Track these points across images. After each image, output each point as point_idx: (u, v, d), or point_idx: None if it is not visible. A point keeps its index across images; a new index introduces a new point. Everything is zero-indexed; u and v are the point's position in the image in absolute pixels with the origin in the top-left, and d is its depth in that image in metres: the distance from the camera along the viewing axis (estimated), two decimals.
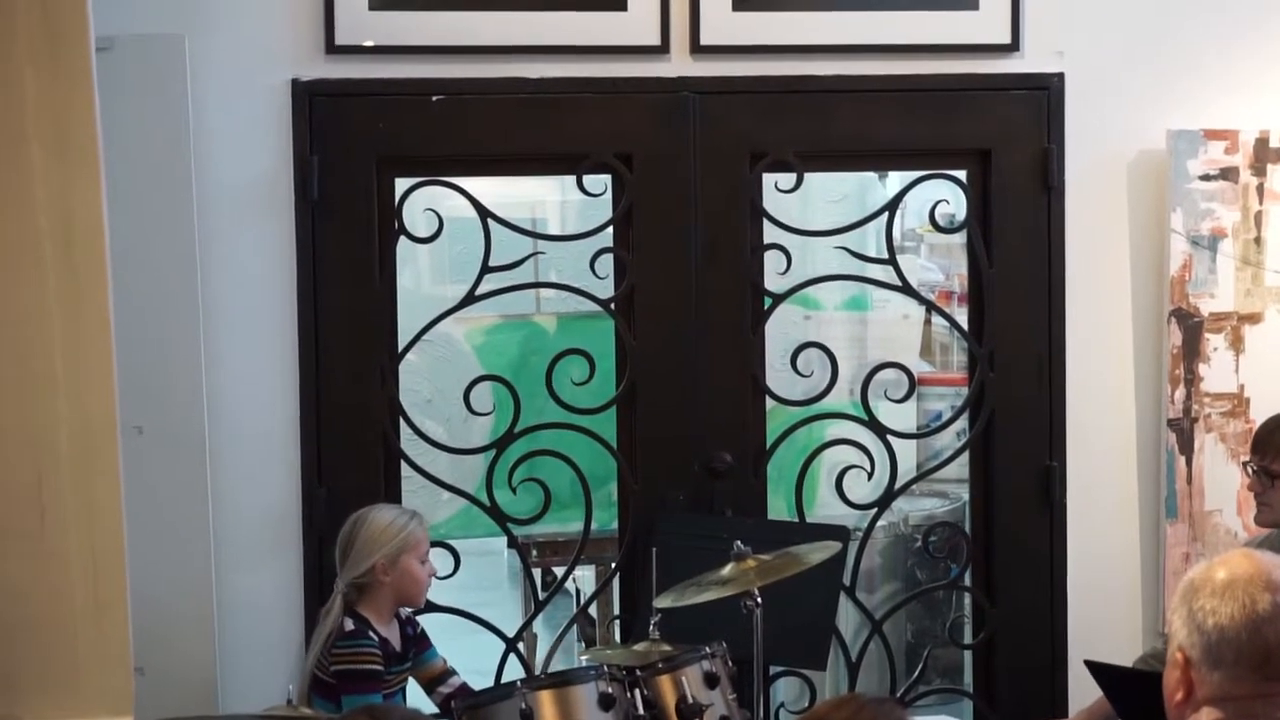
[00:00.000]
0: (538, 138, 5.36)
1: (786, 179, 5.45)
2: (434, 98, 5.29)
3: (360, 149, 5.28)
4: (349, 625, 4.77)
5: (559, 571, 6.00)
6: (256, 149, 5.23)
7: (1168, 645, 2.97)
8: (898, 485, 5.60)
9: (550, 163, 5.58)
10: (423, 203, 5.37)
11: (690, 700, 4.36)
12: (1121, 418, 5.63)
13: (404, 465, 5.40)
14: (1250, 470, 4.84)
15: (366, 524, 4.85)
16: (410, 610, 4.99)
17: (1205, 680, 2.87)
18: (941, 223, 5.65)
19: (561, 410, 5.43)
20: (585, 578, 6.77)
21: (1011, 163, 5.51)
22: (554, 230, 6.34)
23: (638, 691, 4.39)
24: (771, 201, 5.49)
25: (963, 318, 5.73)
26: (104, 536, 4.31)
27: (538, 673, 5.44)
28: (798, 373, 5.53)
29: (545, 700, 4.25)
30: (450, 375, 6.27)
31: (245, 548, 5.26)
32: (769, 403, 5.54)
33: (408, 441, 5.41)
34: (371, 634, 4.77)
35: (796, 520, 5.53)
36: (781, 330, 5.90)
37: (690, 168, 5.39)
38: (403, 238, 5.33)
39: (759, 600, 4.40)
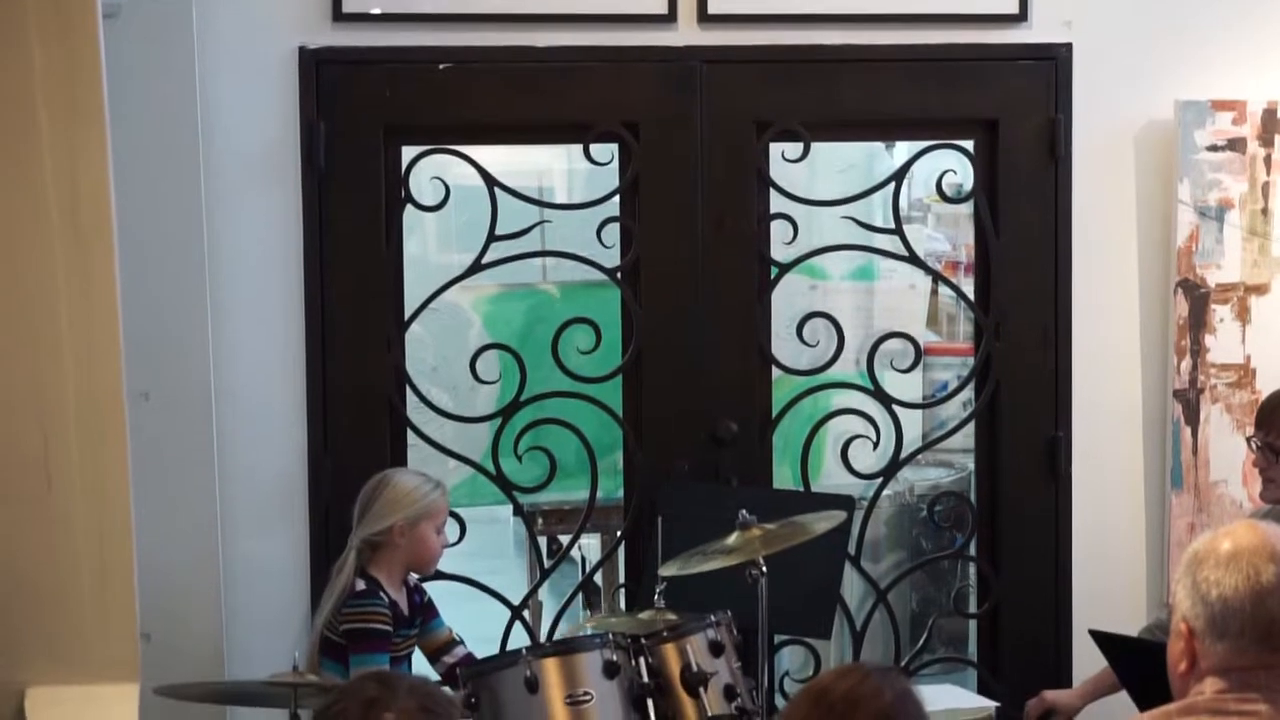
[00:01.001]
0: (545, 106, 5.35)
1: (793, 148, 5.45)
2: (441, 66, 5.29)
3: (367, 117, 5.27)
4: (360, 585, 4.78)
5: (564, 539, 6.01)
6: (263, 117, 5.22)
7: (1171, 616, 2.97)
8: (903, 455, 5.60)
9: (557, 131, 5.57)
10: (429, 171, 5.37)
11: (695, 669, 4.37)
12: (1127, 388, 5.63)
13: (410, 433, 5.41)
14: (1254, 446, 4.83)
15: (391, 485, 4.87)
16: (418, 578, 5.00)
17: (1209, 651, 2.87)
18: (948, 193, 5.64)
19: (567, 379, 5.43)
20: (591, 546, 6.78)
21: (1018, 133, 5.51)
22: (560, 199, 6.33)
23: (642, 660, 4.40)
24: (778, 171, 5.48)
25: (969, 288, 5.74)
26: (110, 503, 4.33)
27: (543, 640, 5.45)
28: (804, 342, 5.54)
29: (550, 668, 4.27)
30: (456, 343, 6.27)
31: (251, 514, 5.27)
32: (775, 372, 5.54)
33: (414, 409, 5.41)
34: (382, 595, 4.79)
35: (802, 489, 5.54)
36: (788, 300, 5.89)
37: (697, 137, 5.39)
38: (409, 206, 5.33)
39: (764, 569, 4.41)
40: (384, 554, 4.85)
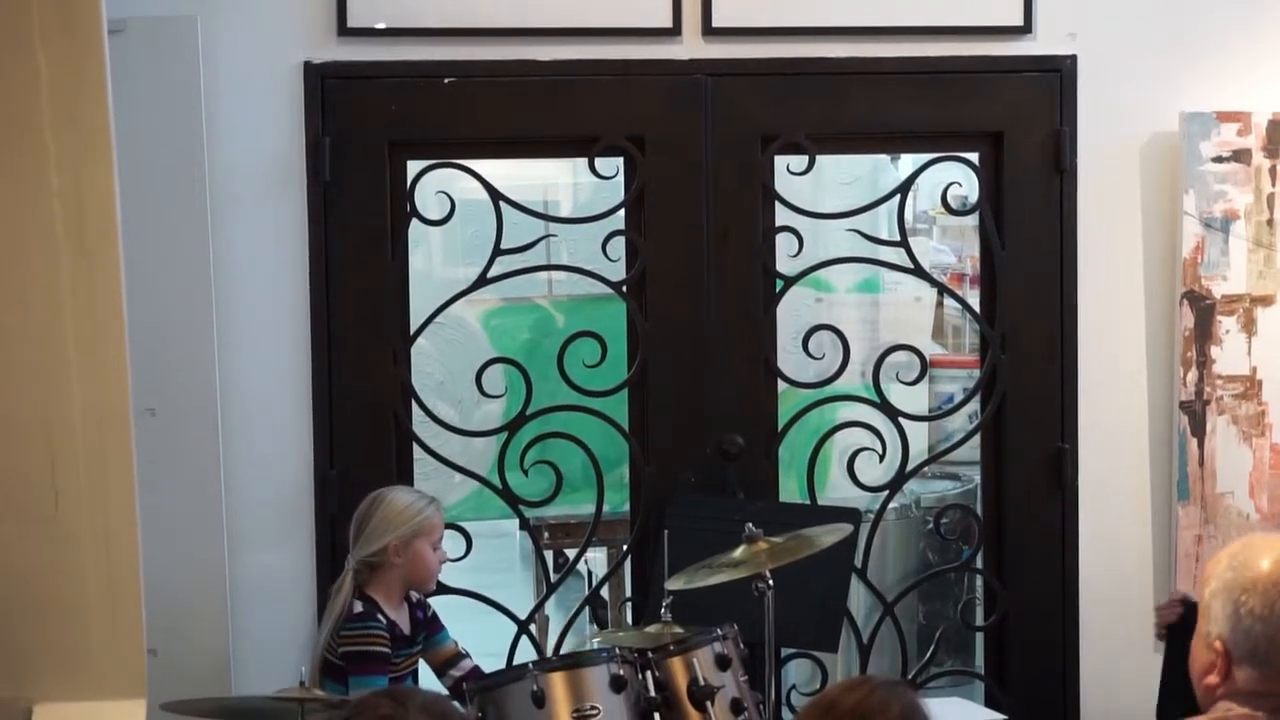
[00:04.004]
0: (550, 120, 5.35)
1: (798, 161, 5.45)
2: (446, 80, 5.29)
3: (372, 131, 5.28)
4: (358, 607, 4.78)
5: (571, 553, 6.02)
6: (268, 131, 5.23)
7: (1199, 620, 2.95)
8: (909, 467, 5.60)
9: (562, 145, 5.58)
10: (435, 185, 5.37)
11: (702, 682, 4.37)
12: (1133, 400, 5.62)
13: (416, 448, 5.40)
14: None
15: (384, 504, 4.86)
16: (422, 594, 4.99)
17: (1246, 675, 2.86)
18: (953, 205, 5.65)
19: (573, 393, 5.43)
20: (597, 560, 6.78)
21: (1024, 145, 5.51)
22: (566, 213, 6.34)
23: (649, 673, 4.40)
24: (783, 184, 5.49)
25: (975, 300, 5.74)
26: (117, 519, 4.32)
27: (549, 655, 5.45)
28: (809, 355, 5.53)
29: (557, 682, 4.26)
30: (462, 358, 6.28)
31: (257, 529, 5.27)
32: (780, 385, 5.54)
33: (419, 424, 5.41)
34: (380, 616, 4.78)
35: (808, 502, 5.53)
36: (793, 312, 5.90)
37: (702, 150, 5.39)
38: (415, 220, 5.33)
39: (770, 582, 4.41)
40: (381, 574, 4.84)
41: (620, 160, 5.42)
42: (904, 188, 5.56)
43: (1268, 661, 2.83)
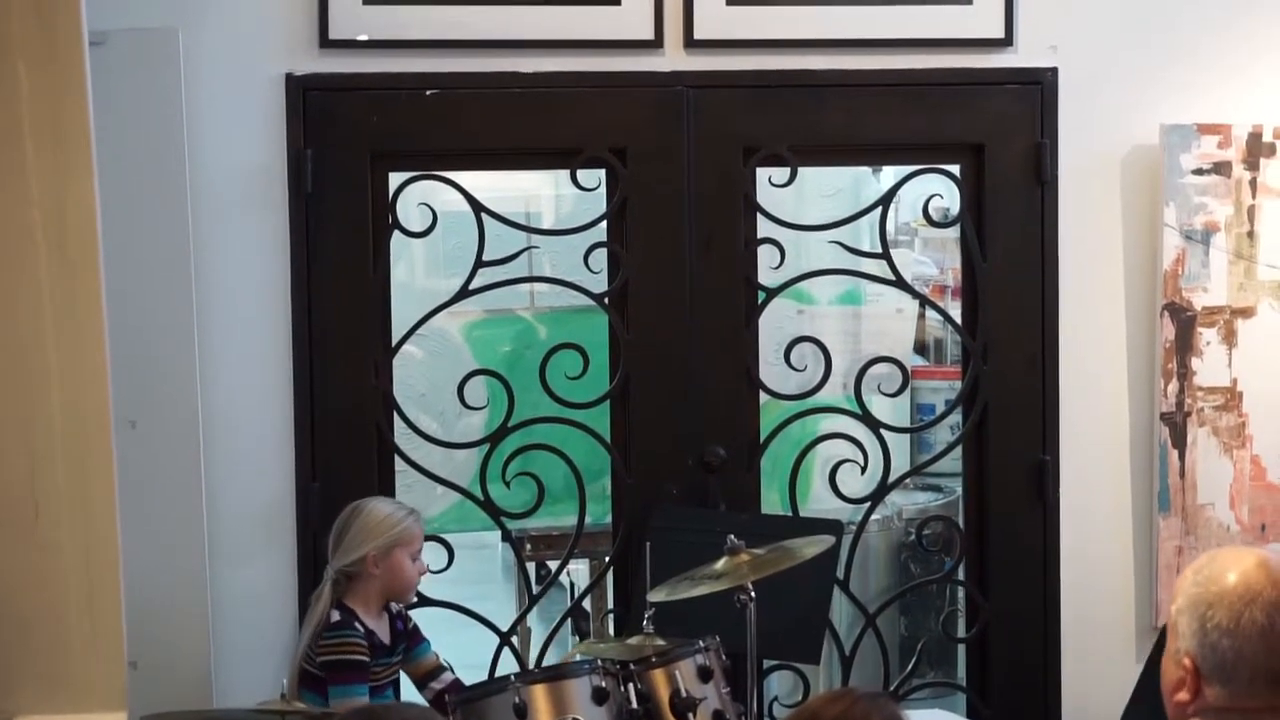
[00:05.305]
0: (532, 132, 5.35)
1: (780, 173, 5.46)
2: (428, 92, 5.29)
3: (354, 143, 5.27)
4: (335, 617, 4.77)
5: (553, 565, 6.01)
6: (250, 143, 5.22)
7: (1167, 637, 2.95)
8: (891, 479, 5.60)
9: (544, 157, 5.57)
10: (416, 197, 5.37)
11: (684, 694, 4.37)
12: (1114, 412, 5.63)
13: (398, 459, 5.40)
14: None
15: (363, 514, 4.86)
16: (400, 606, 4.98)
17: (1215, 691, 2.85)
18: (935, 217, 5.66)
19: (555, 404, 5.42)
20: (579, 571, 6.77)
21: (1005, 157, 5.52)
22: (548, 224, 6.34)
23: (631, 685, 4.40)
24: (765, 196, 5.49)
25: (956, 312, 5.74)
26: (97, 531, 4.32)
27: (531, 667, 5.44)
28: (791, 367, 5.54)
29: (539, 694, 4.26)
30: (444, 369, 6.27)
31: (239, 541, 5.26)
32: (763, 397, 5.54)
33: (401, 435, 5.40)
34: (357, 624, 4.77)
35: (790, 514, 5.53)
36: (775, 324, 5.90)
37: (684, 162, 5.39)
38: (396, 232, 5.33)
39: (752, 594, 4.41)
40: (360, 584, 4.84)
41: (602, 172, 5.42)
42: (885, 200, 5.57)
43: (1236, 676, 2.83)
